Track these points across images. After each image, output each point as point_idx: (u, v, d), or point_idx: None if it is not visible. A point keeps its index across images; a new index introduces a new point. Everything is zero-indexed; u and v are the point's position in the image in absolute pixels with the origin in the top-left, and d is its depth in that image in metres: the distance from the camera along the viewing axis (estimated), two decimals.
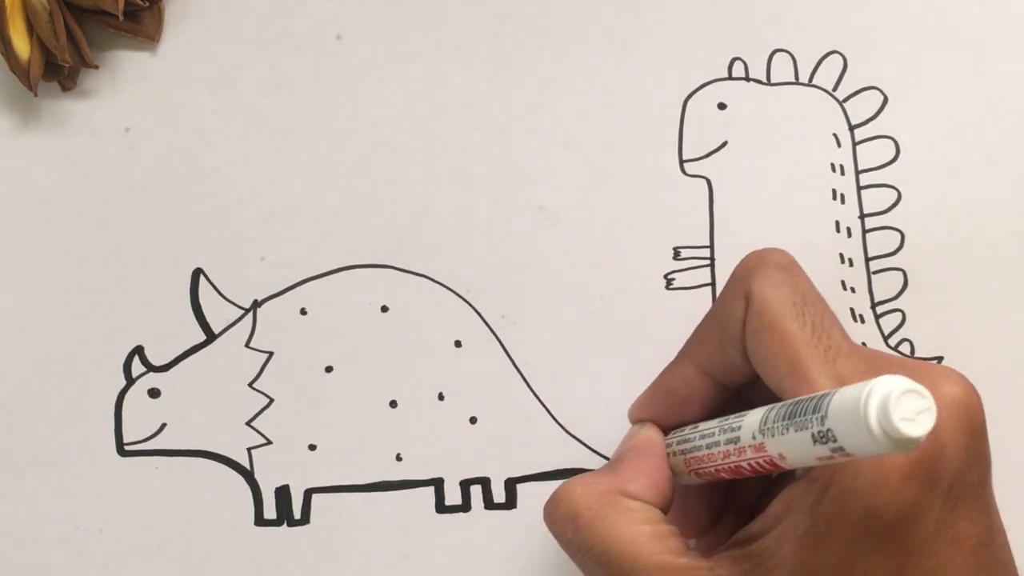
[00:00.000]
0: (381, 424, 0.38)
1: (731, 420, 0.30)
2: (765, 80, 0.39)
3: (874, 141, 0.39)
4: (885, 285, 0.38)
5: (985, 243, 0.38)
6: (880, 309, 0.38)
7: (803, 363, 0.29)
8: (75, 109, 0.39)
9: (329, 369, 0.39)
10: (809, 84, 0.39)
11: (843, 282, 0.38)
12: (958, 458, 0.28)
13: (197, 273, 0.39)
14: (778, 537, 0.29)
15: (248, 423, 0.38)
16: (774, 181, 0.39)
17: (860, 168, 0.39)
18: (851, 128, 0.39)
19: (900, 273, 0.39)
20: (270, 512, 0.38)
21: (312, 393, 0.38)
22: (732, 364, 0.31)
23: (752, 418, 0.28)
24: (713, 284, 0.38)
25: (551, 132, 0.39)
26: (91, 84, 0.39)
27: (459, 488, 0.38)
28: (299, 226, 0.39)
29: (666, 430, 0.34)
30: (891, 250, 0.39)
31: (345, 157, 0.39)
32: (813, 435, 0.25)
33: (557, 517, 0.31)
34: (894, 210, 0.39)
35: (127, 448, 0.38)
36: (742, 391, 0.33)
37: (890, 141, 0.39)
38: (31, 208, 0.39)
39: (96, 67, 0.38)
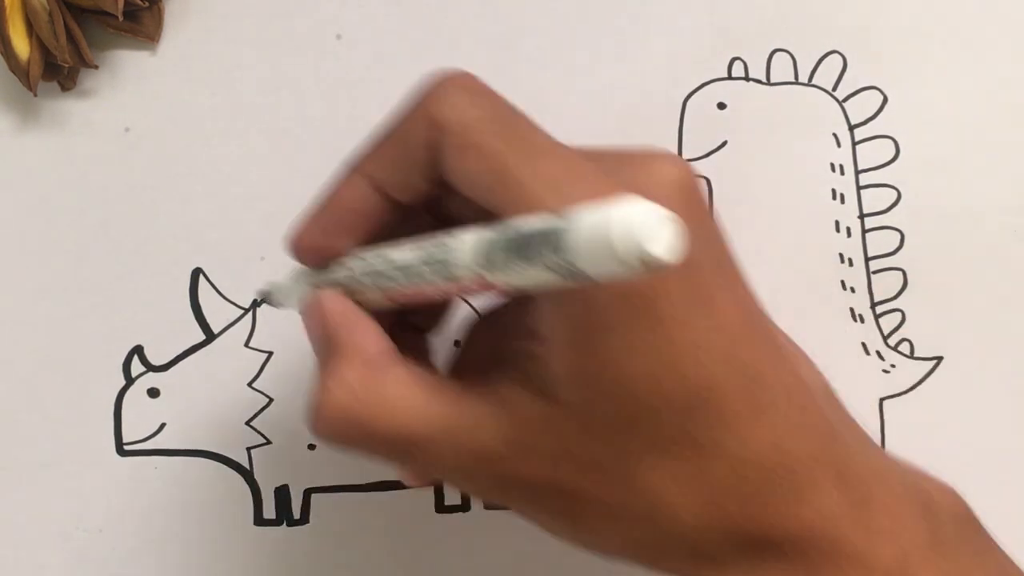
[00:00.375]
0: None
1: (433, 248, 0.28)
2: (765, 80, 0.39)
3: (874, 141, 0.39)
4: (885, 285, 0.38)
5: (985, 243, 0.38)
6: (880, 309, 0.38)
7: (509, 173, 0.27)
8: (75, 109, 0.39)
9: None
10: (809, 84, 0.39)
11: (843, 282, 0.38)
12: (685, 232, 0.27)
13: (197, 273, 0.39)
14: (541, 350, 0.28)
15: (247, 423, 0.39)
16: (774, 181, 0.39)
17: (860, 168, 0.39)
18: (851, 128, 0.39)
19: (900, 273, 0.39)
20: (269, 512, 0.39)
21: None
22: (411, 185, 0.30)
23: (464, 248, 0.26)
24: None
25: (551, 132, 0.39)
26: (91, 84, 0.39)
27: None
28: None
29: (333, 253, 0.31)
30: (891, 250, 0.39)
31: (345, 157, 0.39)
32: (549, 266, 0.23)
33: (336, 430, 0.29)
34: (894, 210, 0.39)
35: (127, 448, 0.39)
36: (426, 208, 0.31)
37: (890, 141, 0.39)
38: (31, 208, 0.39)
39: (96, 67, 0.38)
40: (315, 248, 0.32)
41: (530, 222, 0.24)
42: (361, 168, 0.31)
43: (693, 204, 0.28)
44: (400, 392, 0.29)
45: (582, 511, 0.29)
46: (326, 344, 0.30)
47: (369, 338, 0.30)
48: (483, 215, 0.27)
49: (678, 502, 0.28)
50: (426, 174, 0.29)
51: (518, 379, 0.28)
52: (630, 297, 0.27)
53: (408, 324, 0.33)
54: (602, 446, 0.28)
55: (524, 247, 0.24)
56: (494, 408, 0.28)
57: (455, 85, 0.29)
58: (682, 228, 0.22)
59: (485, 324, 0.33)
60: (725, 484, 0.28)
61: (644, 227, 0.21)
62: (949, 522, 0.31)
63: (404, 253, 0.29)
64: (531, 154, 0.28)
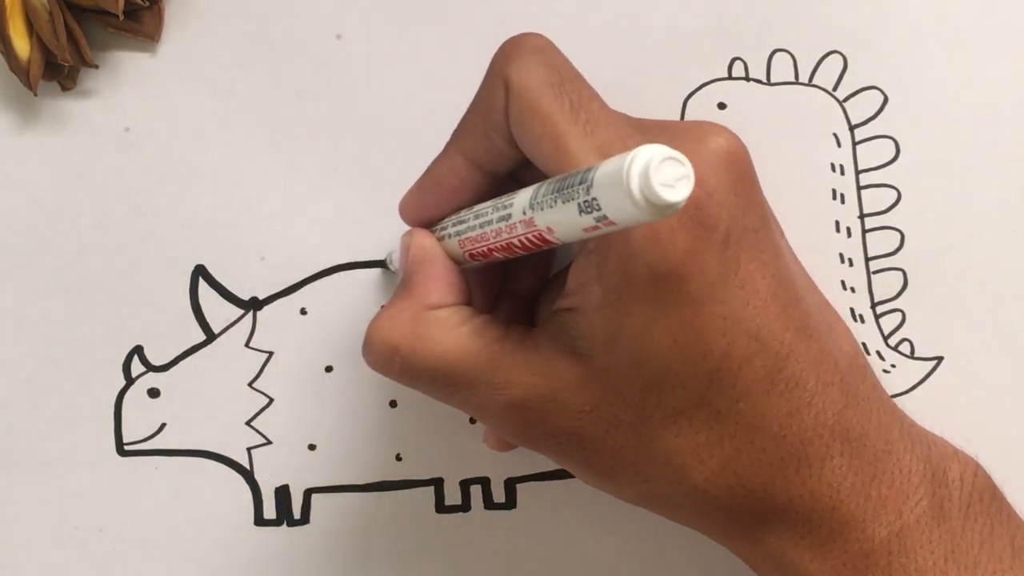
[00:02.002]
0: (381, 424, 0.38)
1: (504, 199, 0.30)
2: (765, 80, 0.39)
3: (874, 141, 0.39)
4: (885, 285, 0.38)
5: (985, 243, 0.38)
6: (880, 309, 0.38)
7: (564, 140, 0.29)
8: (75, 109, 0.39)
9: (329, 369, 0.39)
10: (809, 84, 0.39)
11: (843, 282, 0.38)
12: (728, 204, 0.29)
13: (197, 273, 0.39)
14: (578, 313, 0.30)
15: (248, 423, 0.39)
16: (774, 181, 0.39)
17: (860, 168, 0.39)
18: (851, 128, 0.39)
19: (900, 273, 0.39)
20: (270, 512, 0.39)
21: (312, 393, 0.38)
22: (498, 151, 0.32)
23: (523, 195, 0.28)
24: None
25: None
26: (91, 84, 0.39)
27: (459, 488, 0.38)
28: (299, 226, 0.39)
29: (435, 219, 0.34)
30: (891, 250, 0.39)
31: (345, 157, 0.39)
32: (579, 205, 0.25)
33: (379, 357, 0.31)
34: (894, 210, 0.39)
35: (127, 448, 0.39)
36: (515, 177, 0.33)
37: (890, 141, 0.39)
38: (31, 208, 0.39)
39: (96, 67, 0.38)
40: (420, 215, 0.34)
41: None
42: (454, 140, 0.33)
43: (739, 175, 0.30)
44: (443, 333, 0.31)
45: (601, 463, 0.31)
46: (403, 280, 0.33)
47: (437, 281, 0.32)
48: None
49: (693, 465, 0.30)
50: (510, 139, 0.31)
51: (555, 335, 0.30)
52: (664, 270, 0.28)
53: (509, 290, 0.35)
54: (625, 407, 0.30)
55: (564, 186, 0.26)
56: (530, 361, 0.30)
57: (524, 47, 0.31)
58: (690, 170, 0.23)
59: (545, 286, 0.35)
60: (739, 452, 0.30)
61: (653, 165, 0.23)
62: (960, 496, 0.31)
63: (484, 204, 0.31)
64: (586, 122, 0.29)
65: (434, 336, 0.31)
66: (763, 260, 0.30)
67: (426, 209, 0.34)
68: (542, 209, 0.27)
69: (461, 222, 0.32)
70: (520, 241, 0.29)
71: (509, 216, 0.29)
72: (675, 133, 0.30)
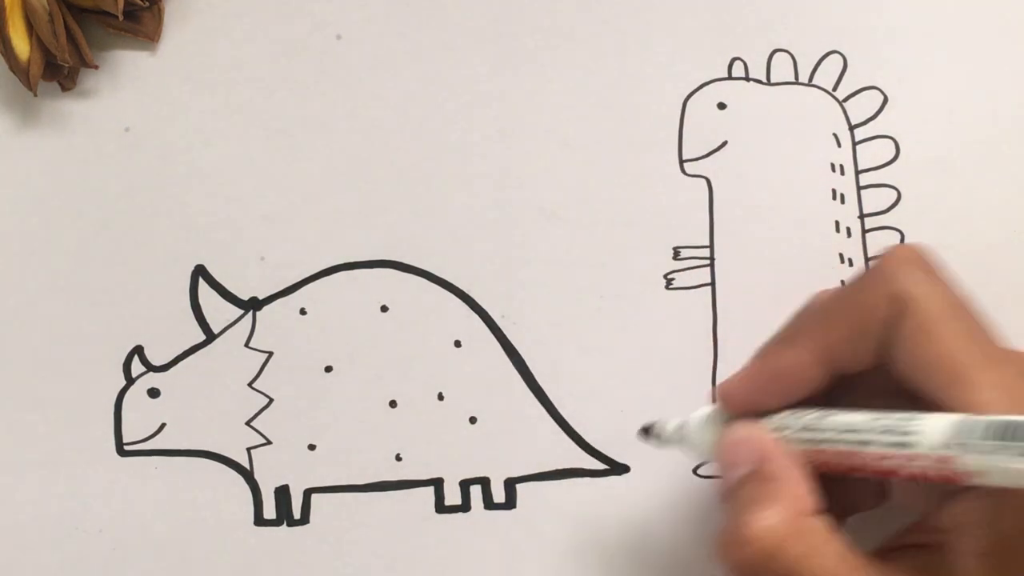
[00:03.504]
0: (381, 424, 0.38)
1: (892, 421, 0.29)
2: (765, 80, 0.39)
3: (874, 141, 0.39)
4: None
5: (985, 243, 0.38)
6: None
7: (967, 373, 0.28)
8: (75, 109, 0.39)
9: (329, 369, 0.39)
10: (809, 84, 0.39)
11: (843, 282, 0.38)
12: None
13: (197, 273, 0.39)
14: (958, 554, 0.28)
15: (248, 423, 0.39)
16: (774, 181, 0.39)
17: (860, 168, 0.39)
18: (851, 128, 0.39)
19: None
20: (270, 512, 0.38)
21: (312, 393, 0.38)
22: (857, 357, 0.31)
23: (935, 427, 0.27)
24: (713, 284, 0.38)
25: (551, 132, 0.39)
26: (91, 84, 0.39)
27: (459, 488, 0.38)
28: (299, 226, 0.39)
29: (757, 414, 0.32)
30: None
31: (345, 157, 0.39)
32: None
33: (747, 559, 0.30)
34: (894, 210, 0.39)
35: (127, 448, 0.39)
36: (843, 377, 0.32)
37: (890, 141, 0.39)
38: (31, 208, 0.39)
39: (96, 67, 0.38)
40: (746, 404, 0.33)
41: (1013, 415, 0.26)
42: (806, 336, 0.32)
43: None
44: (822, 549, 0.29)
45: None
46: (761, 475, 0.31)
47: (801, 489, 0.30)
48: (899, 396, 0.29)
49: None
50: (878, 351, 0.30)
51: (917, 567, 0.29)
52: None
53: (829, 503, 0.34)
54: None
55: (1006, 434, 0.25)
56: None
57: (913, 262, 0.30)
58: None
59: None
60: None
61: None
62: None
63: (854, 418, 0.30)
64: (985, 356, 0.29)
65: (814, 552, 0.29)
66: None
67: (756, 401, 0.32)
68: (974, 452, 0.26)
69: (812, 430, 0.31)
70: (913, 472, 0.28)
71: (907, 445, 0.28)
72: None
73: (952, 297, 0.30)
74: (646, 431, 0.35)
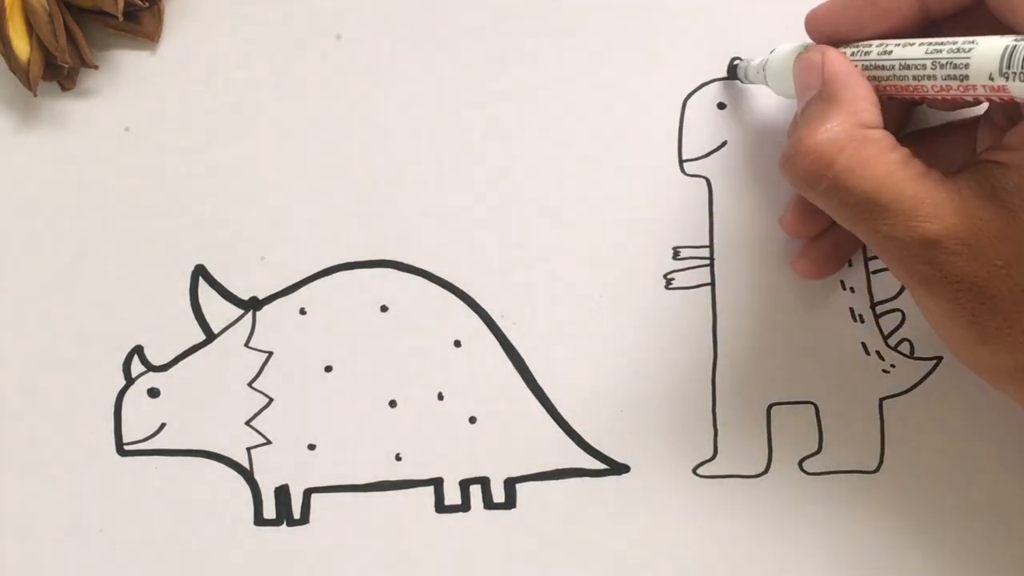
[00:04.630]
0: (380, 424, 0.39)
1: (944, 52, 0.29)
2: (765, 80, 0.39)
3: None
4: (885, 285, 0.38)
5: None
6: (880, 309, 0.38)
7: None
8: (75, 109, 0.39)
9: (329, 369, 0.39)
10: None
11: (843, 282, 0.38)
12: None
13: (197, 273, 0.39)
14: (1011, 169, 0.29)
15: (248, 423, 0.39)
16: (774, 181, 0.39)
17: None
18: None
19: None
20: (269, 512, 0.39)
21: (312, 393, 0.39)
22: None
23: (985, 55, 0.28)
24: (713, 284, 0.38)
25: (551, 132, 0.39)
26: (91, 84, 0.39)
27: (458, 488, 0.38)
28: (299, 226, 0.39)
29: (845, 39, 0.33)
30: None
31: (345, 157, 0.39)
32: None
33: (810, 170, 0.31)
34: None
35: (127, 448, 0.39)
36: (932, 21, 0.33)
37: None
38: (31, 208, 0.39)
39: (96, 67, 0.38)
40: (832, 29, 0.33)
41: None
42: None
43: None
44: (880, 156, 0.30)
45: (990, 323, 0.30)
46: (824, 93, 0.32)
47: (866, 101, 0.31)
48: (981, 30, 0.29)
49: None
50: None
51: (982, 184, 0.30)
52: None
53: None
54: None
55: None
56: (954, 202, 0.30)
57: None
58: None
59: (942, 133, 0.35)
60: None
61: None
62: None
63: (914, 51, 0.30)
64: None
65: (871, 157, 0.30)
66: None
67: (843, 27, 0.33)
68: (1020, 80, 0.27)
69: (879, 67, 0.31)
70: (974, 97, 0.29)
71: (964, 77, 0.29)
72: None
73: None
74: (732, 70, 0.37)
